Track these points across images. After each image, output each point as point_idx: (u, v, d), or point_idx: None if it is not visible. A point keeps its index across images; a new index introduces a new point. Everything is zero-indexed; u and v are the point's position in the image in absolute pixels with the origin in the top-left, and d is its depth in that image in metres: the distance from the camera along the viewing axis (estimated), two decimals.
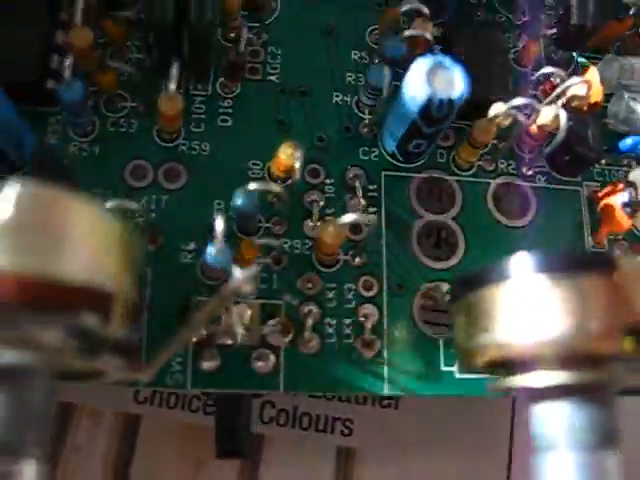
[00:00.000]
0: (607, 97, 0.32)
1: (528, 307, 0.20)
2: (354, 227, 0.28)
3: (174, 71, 0.26)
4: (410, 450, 0.34)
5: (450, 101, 0.25)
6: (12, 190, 0.16)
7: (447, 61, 0.25)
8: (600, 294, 0.19)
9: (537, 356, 0.20)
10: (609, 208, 0.30)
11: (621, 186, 0.30)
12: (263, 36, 0.31)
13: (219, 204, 0.27)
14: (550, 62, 0.33)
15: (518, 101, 0.28)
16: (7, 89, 0.24)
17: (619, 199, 0.29)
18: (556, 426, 0.20)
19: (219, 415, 0.29)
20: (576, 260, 0.20)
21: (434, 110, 0.25)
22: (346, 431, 0.35)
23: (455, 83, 0.25)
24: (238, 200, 0.25)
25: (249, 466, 0.33)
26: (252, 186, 0.24)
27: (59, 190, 0.18)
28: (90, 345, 0.19)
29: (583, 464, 0.19)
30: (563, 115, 0.28)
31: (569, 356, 0.19)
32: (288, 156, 0.26)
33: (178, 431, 0.34)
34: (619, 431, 0.19)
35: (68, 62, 0.25)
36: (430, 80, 0.25)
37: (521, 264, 0.20)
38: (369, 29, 0.32)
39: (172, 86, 0.26)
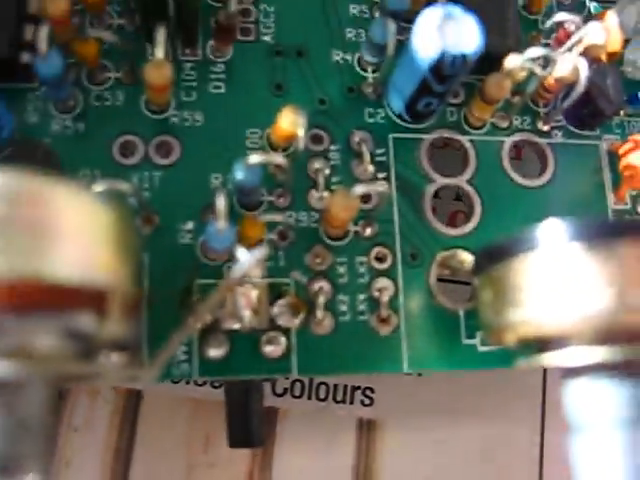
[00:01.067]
0: (624, 43, 0.29)
1: (562, 278, 0.18)
2: (363, 195, 0.26)
3: (160, 36, 0.23)
4: (436, 420, 0.33)
5: (464, 57, 0.23)
6: None
7: (458, 11, 0.23)
8: None
9: (574, 332, 0.18)
10: (631, 168, 0.28)
11: None
12: None
13: (217, 178, 0.25)
14: (562, 8, 0.30)
15: (535, 52, 0.25)
16: None
17: None
18: (595, 403, 0.19)
19: (230, 403, 0.27)
20: (613, 226, 0.18)
21: (446, 67, 0.23)
22: (367, 401, 0.33)
23: (468, 36, 0.23)
24: (239, 174, 0.23)
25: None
26: (253, 159, 0.22)
27: (43, 178, 0.16)
28: (87, 348, 0.17)
29: (626, 442, 0.18)
30: (583, 66, 0.26)
31: (609, 331, 0.18)
32: (290, 123, 0.24)
33: (183, 407, 0.32)
34: None
35: (43, 32, 0.23)
36: (441, 34, 0.23)
37: (553, 232, 0.18)
38: None
39: (159, 53, 0.23)
